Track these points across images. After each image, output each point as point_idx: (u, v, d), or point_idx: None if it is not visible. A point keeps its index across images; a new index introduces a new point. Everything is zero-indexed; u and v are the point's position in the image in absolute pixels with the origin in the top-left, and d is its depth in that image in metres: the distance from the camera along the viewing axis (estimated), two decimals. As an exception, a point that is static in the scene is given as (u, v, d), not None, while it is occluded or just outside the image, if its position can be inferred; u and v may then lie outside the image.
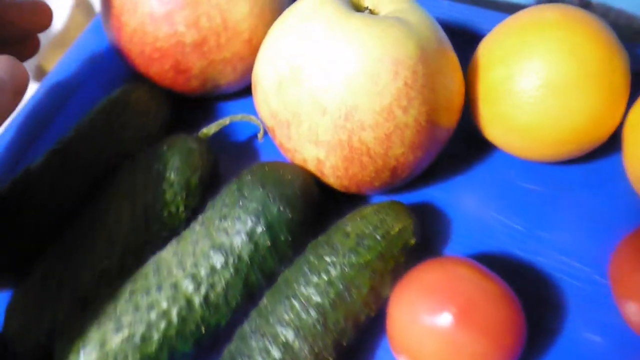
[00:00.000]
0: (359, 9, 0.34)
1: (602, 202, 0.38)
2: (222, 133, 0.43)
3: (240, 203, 0.33)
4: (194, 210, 0.36)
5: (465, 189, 0.39)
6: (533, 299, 0.35)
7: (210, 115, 0.45)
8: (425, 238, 0.37)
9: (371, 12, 0.34)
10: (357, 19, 0.31)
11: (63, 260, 0.34)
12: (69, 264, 0.34)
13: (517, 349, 0.30)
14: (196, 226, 0.34)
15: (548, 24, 0.34)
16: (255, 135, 0.43)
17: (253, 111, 0.44)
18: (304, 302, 0.31)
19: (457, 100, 0.34)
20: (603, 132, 0.35)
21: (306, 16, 0.33)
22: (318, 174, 0.35)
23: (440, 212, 0.39)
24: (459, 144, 0.41)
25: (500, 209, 0.38)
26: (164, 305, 0.31)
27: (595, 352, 0.33)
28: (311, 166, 0.35)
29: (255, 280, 0.33)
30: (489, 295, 0.30)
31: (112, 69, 0.46)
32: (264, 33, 0.40)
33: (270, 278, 0.33)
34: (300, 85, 0.32)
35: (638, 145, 0.34)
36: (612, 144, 0.38)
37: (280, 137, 0.35)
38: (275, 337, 0.30)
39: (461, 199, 0.39)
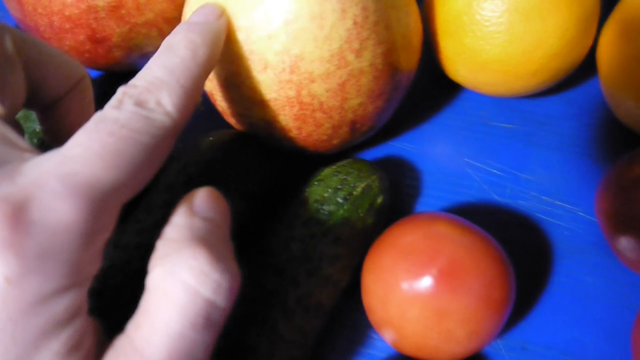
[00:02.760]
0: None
1: (582, 133, 0.35)
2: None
3: (189, 183, 0.29)
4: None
5: (434, 137, 0.36)
6: (518, 246, 0.32)
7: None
8: (396, 196, 0.34)
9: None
10: (290, -48, 0.27)
11: None
12: None
13: (507, 304, 0.27)
14: (140, 213, 0.30)
15: (506, -61, 0.30)
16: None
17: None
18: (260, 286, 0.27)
19: (416, 37, 0.31)
20: (576, 56, 0.32)
21: (232, -43, 0.28)
22: (268, 137, 0.31)
23: (409, 165, 0.35)
24: (421, 88, 0.37)
25: (474, 153, 0.35)
26: None
27: (589, 294, 0.31)
28: (259, 129, 0.31)
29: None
30: (471, 251, 0.26)
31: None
32: (189, -13, 0.35)
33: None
34: (234, 39, 0.28)
35: (614, 65, 0.31)
36: (585, 68, 0.35)
37: (221, 102, 0.30)
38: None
39: (430, 148, 0.35)
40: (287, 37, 0.27)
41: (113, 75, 0.40)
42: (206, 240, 0.19)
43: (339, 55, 0.27)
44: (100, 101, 0.37)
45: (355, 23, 0.27)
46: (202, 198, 0.21)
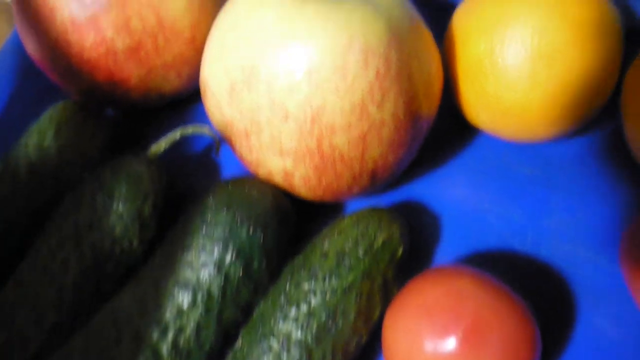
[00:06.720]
0: (313, -9, 0.30)
1: (604, 179, 0.34)
2: (176, 148, 0.38)
3: (204, 230, 0.29)
4: (151, 242, 0.32)
5: (452, 181, 0.35)
6: (540, 295, 0.31)
7: (159, 127, 0.39)
8: (414, 241, 0.33)
9: (327, -7, 0.30)
10: (314, 3, 0.27)
11: (5, 318, 0.29)
12: (13, 322, 0.29)
13: (533, 362, 0.26)
14: (155, 262, 0.30)
15: (530, -13, 0.30)
16: (213, 147, 0.38)
17: (207, 118, 0.39)
18: (282, 340, 0.27)
19: (437, 84, 0.30)
20: (599, 101, 0.31)
21: (254, 6, 0.28)
22: (287, 186, 0.30)
23: (427, 210, 0.34)
24: (440, 131, 0.36)
25: (493, 199, 0.34)
26: None
27: (613, 345, 0.30)
28: (278, 179, 0.30)
29: (230, 316, 0.29)
30: (495, 310, 0.26)
31: (38, 87, 0.41)
32: (209, 29, 0.35)
33: (247, 311, 0.29)
34: (256, 88, 0.27)
35: None
36: (606, 112, 0.35)
37: (240, 149, 0.30)
38: None
39: (448, 192, 0.35)
40: (309, 88, 0.26)
41: (130, 115, 0.40)
42: None
43: (360, 107, 0.27)
44: (117, 140, 0.37)
45: (377, 74, 0.27)
46: None
